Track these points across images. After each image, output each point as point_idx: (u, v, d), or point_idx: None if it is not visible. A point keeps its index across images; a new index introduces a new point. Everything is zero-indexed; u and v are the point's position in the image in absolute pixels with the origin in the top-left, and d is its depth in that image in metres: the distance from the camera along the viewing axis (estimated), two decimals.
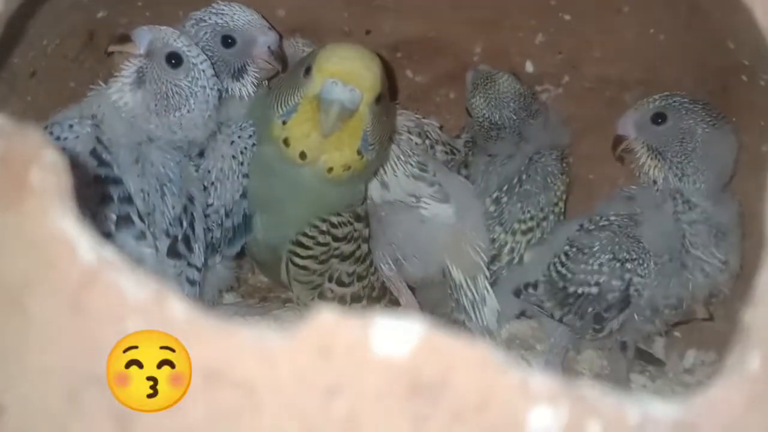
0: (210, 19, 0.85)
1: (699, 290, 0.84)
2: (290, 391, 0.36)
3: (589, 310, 0.85)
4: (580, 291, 0.85)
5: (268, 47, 0.87)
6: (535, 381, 0.36)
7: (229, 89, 0.87)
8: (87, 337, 0.39)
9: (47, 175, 0.41)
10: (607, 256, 0.84)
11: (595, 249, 0.85)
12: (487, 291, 0.90)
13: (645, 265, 0.83)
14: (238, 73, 0.87)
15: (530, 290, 0.89)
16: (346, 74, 0.75)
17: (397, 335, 0.36)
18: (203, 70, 0.80)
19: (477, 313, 0.90)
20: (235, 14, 0.86)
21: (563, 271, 0.86)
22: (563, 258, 0.87)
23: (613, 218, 0.86)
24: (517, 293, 0.90)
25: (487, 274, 0.90)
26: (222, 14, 0.85)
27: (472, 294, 0.90)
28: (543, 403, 0.36)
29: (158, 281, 0.39)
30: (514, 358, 0.38)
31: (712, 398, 0.38)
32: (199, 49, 0.81)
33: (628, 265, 0.83)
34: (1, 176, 0.42)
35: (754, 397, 0.37)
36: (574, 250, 0.86)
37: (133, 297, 0.39)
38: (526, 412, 0.36)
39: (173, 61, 0.78)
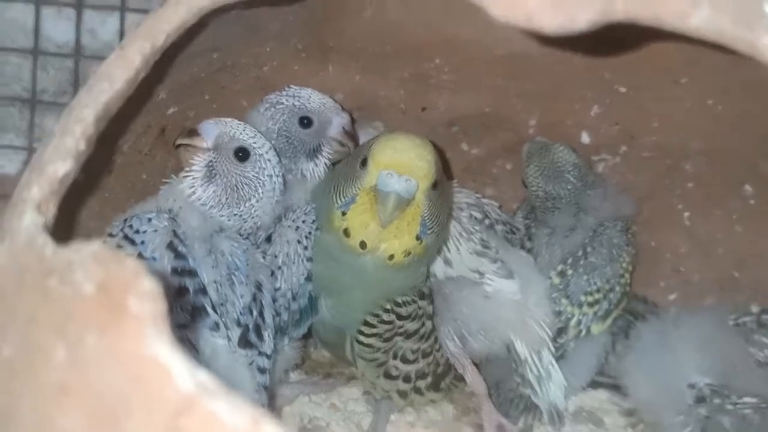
0: (287, 101, 0.90)
1: None
2: None
3: None
4: None
5: (343, 127, 0.91)
6: None
7: (303, 169, 0.90)
8: None
9: (144, 301, 0.43)
10: None
11: None
12: (552, 366, 0.89)
13: None
14: (313, 153, 0.91)
15: None
16: (400, 165, 0.77)
17: None
18: (269, 160, 0.83)
19: (543, 388, 0.89)
20: (310, 97, 0.90)
21: None
22: None
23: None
24: None
25: (552, 349, 0.89)
26: (298, 97, 0.90)
27: (537, 369, 0.89)
28: None
29: (253, 405, 0.41)
30: None
31: None
32: (263, 138, 0.84)
33: None
34: (101, 302, 0.44)
35: None
36: None
37: (230, 422, 0.40)
38: None
39: (241, 155, 0.81)
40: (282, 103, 0.89)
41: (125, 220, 0.78)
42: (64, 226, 0.63)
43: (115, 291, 0.44)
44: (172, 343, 0.42)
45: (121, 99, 0.56)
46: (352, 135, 0.92)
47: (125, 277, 0.44)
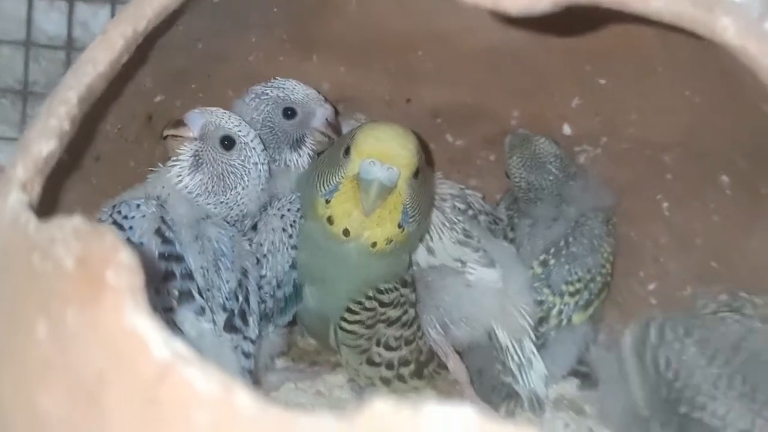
0: (271, 92, 0.91)
1: None
2: None
3: None
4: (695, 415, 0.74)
5: (326, 119, 0.92)
6: None
7: (287, 160, 0.92)
8: (159, 428, 0.42)
9: (122, 274, 0.45)
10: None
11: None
12: (534, 354, 0.91)
13: None
14: (297, 144, 0.92)
15: None
16: (383, 154, 0.79)
17: (447, 423, 0.39)
18: (254, 148, 0.84)
19: (524, 376, 0.91)
20: (294, 88, 0.92)
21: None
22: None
23: None
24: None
25: (533, 337, 0.91)
26: (283, 88, 0.92)
27: (519, 357, 0.91)
28: None
29: (225, 373, 0.42)
30: None
31: None
32: (248, 126, 0.86)
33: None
34: (79, 275, 0.46)
35: None
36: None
37: (203, 389, 0.41)
38: None
39: (226, 143, 0.83)
40: (266, 94, 0.91)
41: (114, 206, 0.80)
42: (51, 213, 0.64)
43: (94, 264, 0.45)
44: (149, 314, 0.44)
45: (105, 81, 0.57)
46: (335, 126, 0.93)
47: (104, 251, 0.45)
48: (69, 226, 0.48)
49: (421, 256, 0.92)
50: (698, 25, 0.50)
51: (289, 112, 0.91)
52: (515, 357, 0.91)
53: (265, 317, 0.86)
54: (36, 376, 0.46)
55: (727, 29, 0.50)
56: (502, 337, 0.91)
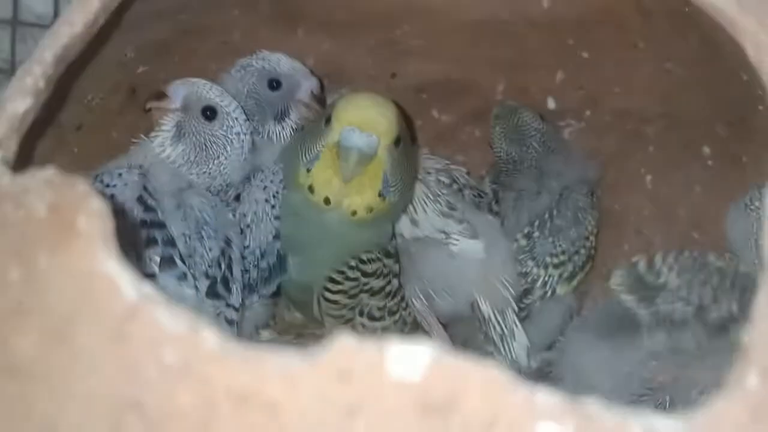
0: (257, 64, 0.92)
1: None
2: (312, 412, 0.39)
3: None
4: None
5: (311, 91, 0.93)
6: (540, 398, 0.39)
7: (270, 132, 0.92)
8: (128, 365, 0.43)
9: (93, 220, 0.45)
10: None
11: None
12: (516, 325, 0.91)
13: None
14: (281, 115, 0.93)
15: None
16: (362, 122, 0.80)
17: (409, 358, 0.39)
18: (236, 118, 0.85)
19: (506, 346, 0.91)
20: (280, 60, 0.93)
21: None
22: None
23: None
24: None
25: (515, 308, 0.92)
26: (268, 60, 0.92)
27: (501, 328, 0.92)
28: (548, 420, 0.38)
29: (193, 314, 0.43)
30: (521, 378, 0.40)
31: (715, 412, 0.40)
32: (230, 97, 0.86)
33: None
34: (51, 222, 0.47)
35: (753, 410, 0.39)
36: None
37: (170, 328, 0.42)
38: (532, 429, 0.38)
39: (208, 113, 0.84)
40: (252, 66, 0.92)
41: (96, 176, 0.81)
42: None
43: (66, 211, 0.46)
44: (118, 258, 0.45)
45: (81, 42, 0.58)
46: (320, 98, 0.94)
47: (75, 198, 0.46)
48: (42, 176, 0.49)
49: (405, 227, 0.92)
50: None
51: (274, 84, 0.92)
52: (497, 327, 0.91)
53: (249, 287, 0.87)
54: (10, 318, 0.47)
55: None
56: (485, 307, 0.92)
